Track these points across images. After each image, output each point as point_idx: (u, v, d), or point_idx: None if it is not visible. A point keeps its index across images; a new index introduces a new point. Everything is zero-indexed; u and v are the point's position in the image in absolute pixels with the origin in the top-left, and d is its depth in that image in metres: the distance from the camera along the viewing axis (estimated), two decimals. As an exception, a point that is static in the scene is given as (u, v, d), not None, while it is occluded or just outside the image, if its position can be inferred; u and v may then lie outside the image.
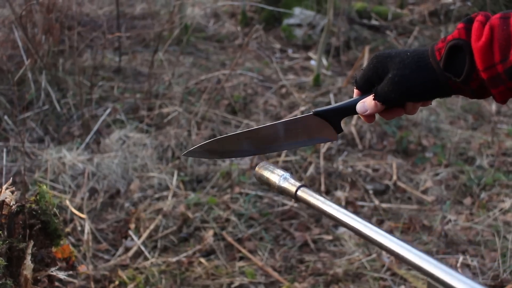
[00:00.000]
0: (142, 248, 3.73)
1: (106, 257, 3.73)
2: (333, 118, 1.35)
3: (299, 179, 4.27)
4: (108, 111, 5.29)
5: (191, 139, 4.73)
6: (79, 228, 3.91)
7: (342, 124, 1.40)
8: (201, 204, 4.04)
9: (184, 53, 6.75)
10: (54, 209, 2.32)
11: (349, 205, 4.10)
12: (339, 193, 4.18)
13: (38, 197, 2.29)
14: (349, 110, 1.33)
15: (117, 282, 3.41)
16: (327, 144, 4.75)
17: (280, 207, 4.07)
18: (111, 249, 3.82)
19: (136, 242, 3.78)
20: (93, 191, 4.36)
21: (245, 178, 4.29)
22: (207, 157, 1.46)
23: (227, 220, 3.90)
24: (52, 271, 2.21)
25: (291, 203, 4.08)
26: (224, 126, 5.08)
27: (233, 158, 4.48)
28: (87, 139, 4.94)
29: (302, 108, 5.25)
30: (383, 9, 7.97)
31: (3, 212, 2.22)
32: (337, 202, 4.11)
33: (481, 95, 1.20)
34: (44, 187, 2.34)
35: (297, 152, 4.66)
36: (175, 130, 4.80)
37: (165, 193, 4.24)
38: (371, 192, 4.26)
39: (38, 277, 2.30)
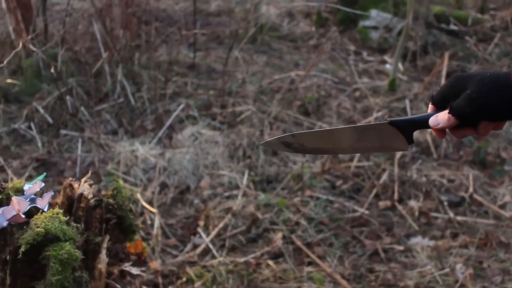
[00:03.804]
0: (210, 246, 3.72)
1: (174, 252, 3.74)
2: (406, 129, 1.38)
3: (372, 186, 4.18)
4: (181, 106, 5.32)
5: (263, 139, 4.69)
6: (149, 222, 3.93)
7: (415, 134, 1.46)
8: (271, 205, 4.00)
9: (258, 52, 6.73)
10: (130, 204, 2.33)
11: (422, 215, 3.97)
12: (413, 203, 4.06)
13: (115, 192, 2.31)
14: (423, 123, 1.37)
15: (184, 279, 3.41)
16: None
17: (350, 214, 3.99)
18: (179, 245, 3.82)
19: (205, 239, 3.77)
20: (163, 186, 4.39)
21: (316, 181, 4.23)
22: (282, 149, 1.51)
23: (297, 223, 3.85)
24: (125, 267, 2.21)
25: (362, 210, 3.99)
26: (296, 127, 5.03)
27: (307, 155, 4.44)
28: (160, 134, 4.97)
29: (376, 114, 5.15)
30: (462, 13, 7.73)
31: (80, 205, 2.24)
32: (410, 211, 4.01)
33: None
34: (121, 182, 2.35)
35: (370, 157, 4.56)
36: (247, 129, 4.78)
37: (235, 192, 4.22)
38: (445, 203, 4.12)
39: (111, 271, 2.31)
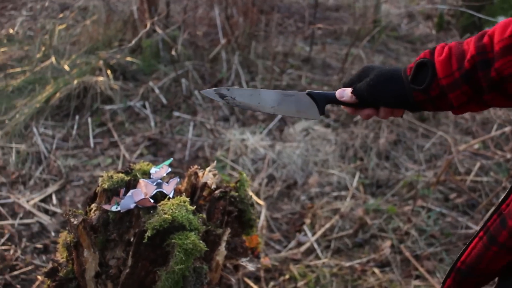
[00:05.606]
0: (315, 245, 3.65)
1: (277, 247, 3.70)
2: (320, 101, 1.63)
3: (489, 203, 3.96)
4: (294, 100, 5.26)
5: (378, 143, 4.56)
6: (254, 214, 3.90)
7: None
8: (380, 211, 3.88)
9: (374, 51, 6.57)
10: (252, 199, 2.29)
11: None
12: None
13: (238, 185, 2.28)
14: (334, 98, 1.60)
15: (287, 276, 3.36)
16: (522, 169, 4.38)
17: (463, 230, 3.80)
18: (283, 240, 3.78)
19: (310, 238, 3.71)
20: (271, 178, 4.36)
21: (429, 192, 4.06)
22: (217, 99, 1.72)
23: (407, 233, 3.71)
24: (242, 261, 2.18)
25: (476, 228, 3.79)
26: (410, 132, 4.86)
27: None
28: (271, 125, 4.94)
29: (496, 127, 4.91)
30: None
31: (203, 194, 2.23)
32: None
33: (439, 105, 1.45)
34: (244, 175, 2.32)
35: (489, 173, 4.34)
36: (361, 131, 4.66)
37: (343, 193, 4.13)
38: None
39: (225, 264, 2.29)
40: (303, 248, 3.64)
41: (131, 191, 1.94)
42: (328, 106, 4.80)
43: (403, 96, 1.46)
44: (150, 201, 1.90)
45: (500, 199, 1.38)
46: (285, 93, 1.66)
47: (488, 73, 1.32)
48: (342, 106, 1.62)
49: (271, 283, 3.33)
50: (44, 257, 3.47)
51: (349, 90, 1.55)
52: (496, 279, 1.49)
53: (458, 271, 1.46)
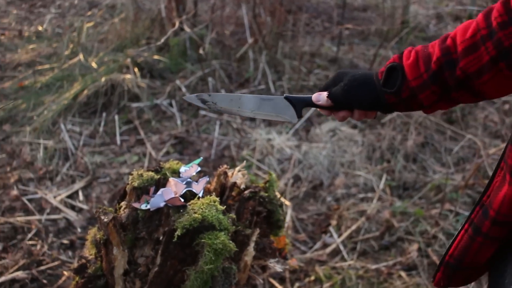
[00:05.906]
0: (341, 247, 3.62)
1: (302, 248, 3.68)
2: (297, 104, 1.70)
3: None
4: (321, 100, 5.23)
5: (405, 145, 4.51)
6: (280, 214, 3.89)
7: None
8: (407, 214, 3.84)
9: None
10: (281, 199, 2.28)
11: None
12: None
13: (267, 185, 2.26)
14: (310, 101, 1.68)
15: (312, 278, 3.35)
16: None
17: (492, 234, 3.75)
18: (308, 241, 3.76)
19: (335, 240, 3.68)
20: (296, 179, 4.34)
21: (458, 195, 4.01)
22: (199, 105, 1.77)
23: (434, 237, 3.67)
24: (270, 262, 2.17)
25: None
26: (438, 135, 4.81)
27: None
28: (297, 125, 4.92)
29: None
30: None
31: (232, 194, 2.22)
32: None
33: (411, 106, 1.54)
34: (273, 175, 2.31)
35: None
36: (389, 132, 4.62)
37: (369, 195, 4.10)
38: None
39: (254, 265, 2.28)
40: (328, 250, 3.61)
41: (161, 189, 1.94)
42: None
43: (375, 99, 1.55)
44: (180, 200, 1.90)
45: (482, 191, 1.46)
46: (263, 97, 1.74)
47: (454, 72, 1.41)
48: (318, 109, 1.69)
49: (296, 284, 3.32)
50: (70, 253, 3.50)
51: (325, 94, 1.64)
52: (487, 274, 1.55)
53: (447, 264, 1.52)
